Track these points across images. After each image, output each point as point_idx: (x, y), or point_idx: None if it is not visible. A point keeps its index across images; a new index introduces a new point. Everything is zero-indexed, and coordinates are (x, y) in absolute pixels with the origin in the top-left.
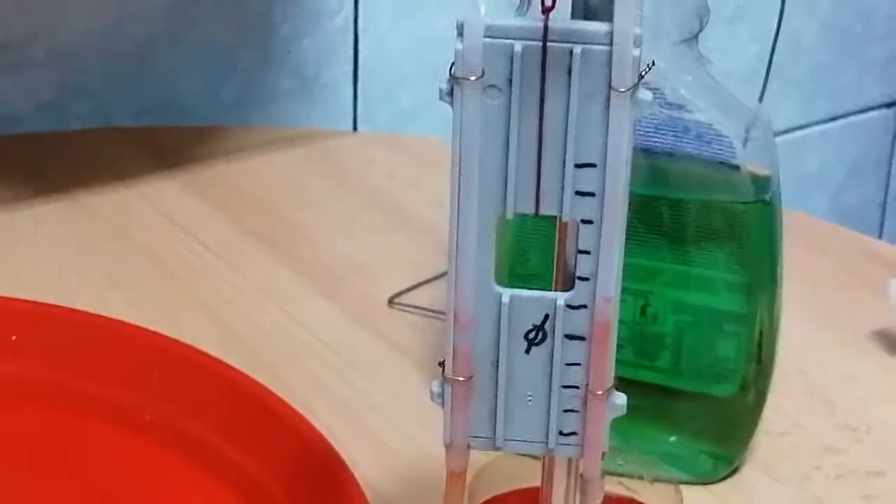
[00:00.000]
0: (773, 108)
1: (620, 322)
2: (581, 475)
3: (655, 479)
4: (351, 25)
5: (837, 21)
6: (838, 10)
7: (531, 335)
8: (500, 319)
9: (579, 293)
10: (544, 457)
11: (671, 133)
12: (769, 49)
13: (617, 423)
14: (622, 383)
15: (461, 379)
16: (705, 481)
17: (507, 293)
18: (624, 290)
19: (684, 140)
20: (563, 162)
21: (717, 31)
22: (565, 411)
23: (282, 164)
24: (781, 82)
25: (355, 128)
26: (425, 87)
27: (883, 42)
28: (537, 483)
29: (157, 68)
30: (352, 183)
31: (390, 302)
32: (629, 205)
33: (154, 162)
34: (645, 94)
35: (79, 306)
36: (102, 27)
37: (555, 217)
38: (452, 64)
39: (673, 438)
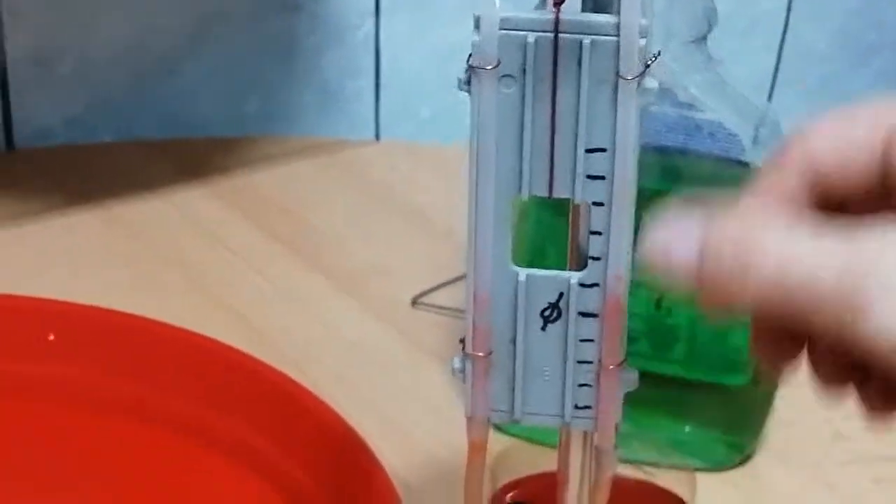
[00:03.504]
0: (784, 116)
1: (636, 315)
2: (596, 447)
3: (672, 466)
4: (372, 39)
5: (850, 30)
6: (851, 19)
7: (547, 312)
8: (517, 298)
9: (592, 272)
10: (561, 429)
11: (683, 131)
12: (776, 56)
13: (634, 413)
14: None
15: (481, 355)
16: (719, 468)
17: (523, 272)
18: (638, 284)
19: (695, 138)
20: (575, 147)
21: (731, 42)
22: (580, 385)
23: (305, 172)
24: (793, 90)
25: (377, 137)
26: (445, 98)
27: (894, 52)
28: (554, 468)
29: (183, 82)
30: (374, 190)
31: (414, 302)
32: (643, 200)
33: (181, 172)
34: (651, 82)
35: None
36: (129, 43)
37: (567, 201)
38: (470, 55)
39: (688, 427)
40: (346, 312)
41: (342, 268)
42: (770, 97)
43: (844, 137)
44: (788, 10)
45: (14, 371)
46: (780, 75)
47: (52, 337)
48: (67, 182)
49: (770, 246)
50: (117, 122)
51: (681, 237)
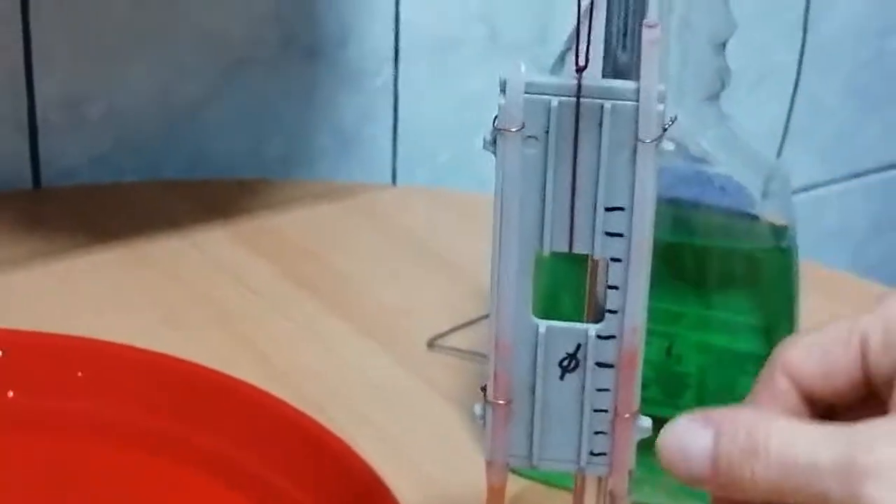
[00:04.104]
0: (795, 165)
1: (647, 362)
2: (610, 492)
3: None
4: (391, 86)
5: (859, 81)
6: (860, 71)
7: (565, 363)
8: (536, 348)
9: (609, 325)
10: (576, 475)
11: (695, 184)
12: (787, 109)
13: (645, 457)
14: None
15: (501, 402)
16: None
17: (543, 324)
18: (650, 332)
19: (707, 191)
20: (595, 205)
21: (741, 94)
22: (595, 433)
23: (325, 215)
24: (804, 141)
25: (394, 182)
26: (461, 145)
27: None
28: None
29: (207, 125)
30: (392, 233)
31: (430, 344)
32: (655, 251)
33: (204, 213)
34: (668, 145)
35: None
36: (156, 88)
37: (586, 256)
38: (496, 117)
39: None
40: (365, 353)
41: (361, 309)
42: (781, 147)
43: (821, 351)
44: (800, 63)
45: (43, 406)
46: (791, 126)
47: (80, 374)
48: (93, 221)
49: (777, 429)
50: (142, 162)
51: (696, 429)
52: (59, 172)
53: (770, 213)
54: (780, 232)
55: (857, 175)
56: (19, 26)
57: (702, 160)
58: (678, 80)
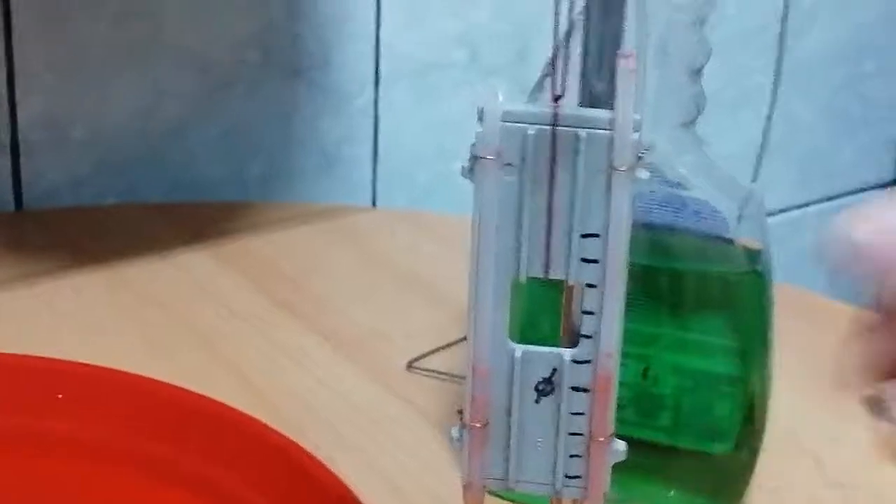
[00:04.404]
0: (772, 187)
1: (623, 384)
2: None
3: None
4: (372, 108)
5: (835, 105)
6: (837, 95)
7: (541, 387)
8: (513, 372)
9: (584, 349)
10: (552, 497)
11: (671, 209)
12: (762, 131)
13: (621, 478)
14: (625, 441)
15: (478, 425)
16: None
17: (519, 349)
18: (626, 355)
19: (682, 215)
20: (570, 232)
21: (718, 116)
22: (571, 456)
23: (305, 237)
24: (780, 163)
25: (374, 204)
26: (441, 167)
27: (878, 126)
28: None
29: (188, 148)
30: (371, 255)
31: (409, 366)
32: (632, 274)
33: (186, 235)
34: (643, 173)
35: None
36: (137, 110)
37: (562, 281)
38: (473, 144)
39: (672, 492)
40: (345, 374)
41: (340, 331)
42: (757, 169)
43: None
44: (775, 85)
45: (24, 426)
46: (767, 147)
47: (60, 396)
48: (74, 243)
49: None
50: (124, 184)
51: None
52: (41, 194)
53: (744, 238)
54: (754, 256)
55: (832, 197)
56: (2, 48)
57: (678, 185)
58: (655, 107)
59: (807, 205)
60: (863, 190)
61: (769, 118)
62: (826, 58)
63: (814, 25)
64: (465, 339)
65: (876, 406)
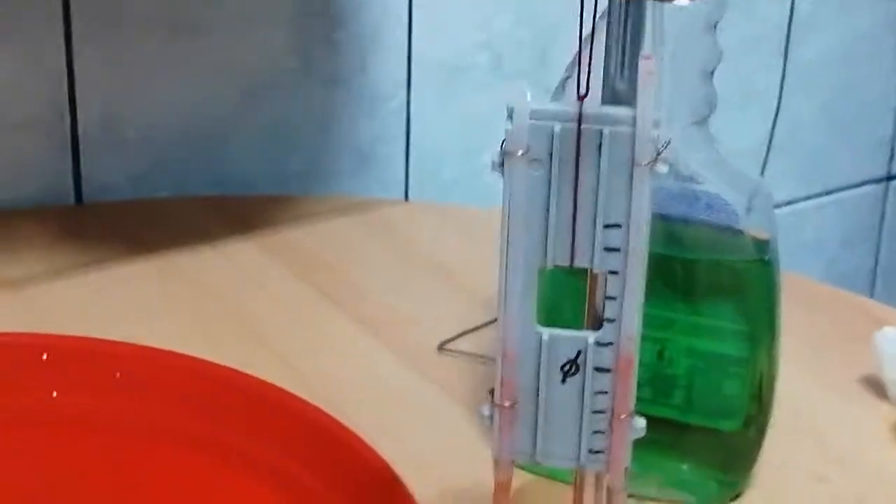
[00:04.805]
0: (775, 182)
1: (640, 365)
2: (607, 487)
3: (670, 501)
4: (404, 109)
5: (835, 106)
6: (836, 97)
7: (566, 368)
8: (540, 354)
9: (607, 332)
10: (576, 471)
11: (684, 202)
12: (770, 130)
13: (637, 453)
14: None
15: (507, 404)
16: None
17: (546, 332)
18: (643, 338)
19: (695, 208)
20: (594, 223)
21: (727, 114)
22: (594, 432)
23: (342, 228)
24: (783, 160)
25: (406, 197)
26: (467, 163)
27: (874, 125)
28: (564, 502)
29: (234, 147)
30: (404, 246)
31: (440, 348)
32: (649, 263)
33: (231, 227)
34: (662, 167)
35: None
36: (187, 111)
37: (586, 269)
38: (503, 141)
39: (685, 467)
40: (379, 356)
41: (375, 316)
42: (764, 165)
43: None
44: (781, 87)
45: (84, 404)
46: (773, 144)
47: (118, 375)
48: (129, 234)
49: None
50: (174, 179)
51: None
52: (99, 189)
53: (753, 228)
54: (762, 245)
55: (831, 192)
56: (63, 54)
57: (690, 179)
58: (669, 106)
59: (807, 199)
60: (858, 185)
61: (775, 119)
62: (825, 62)
63: (814, 32)
64: (492, 321)
65: None
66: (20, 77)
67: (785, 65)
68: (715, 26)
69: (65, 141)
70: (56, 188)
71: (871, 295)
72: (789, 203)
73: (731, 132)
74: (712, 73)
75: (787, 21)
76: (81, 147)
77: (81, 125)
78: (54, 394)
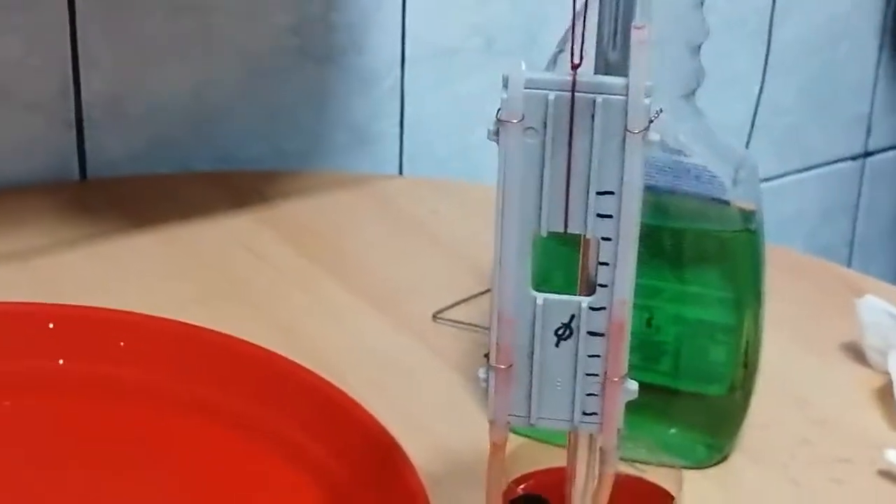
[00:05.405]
0: (757, 158)
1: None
2: (600, 448)
3: (660, 464)
4: (398, 88)
5: (813, 86)
6: (814, 75)
7: (560, 331)
8: (534, 318)
9: (600, 297)
10: (570, 433)
11: (672, 174)
12: (753, 108)
13: (627, 417)
14: None
15: (503, 367)
16: (700, 466)
17: (540, 297)
18: (632, 306)
19: (683, 179)
20: (587, 190)
21: (711, 93)
22: (587, 395)
23: (339, 202)
24: (764, 136)
25: (401, 173)
26: (460, 140)
27: (852, 104)
28: (558, 464)
29: (233, 125)
30: (399, 218)
31: (434, 317)
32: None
33: (231, 201)
34: (654, 136)
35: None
36: (188, 90)
37: (579, 236)
38: (499, 109)
39: (673, 430)
40: (376, 326)
41: (372, 286)
42: (748, 142)
43: None
44: (765, 67)
45: (90, 372)
46: (756, 121)
47: (122, 343)
48: (133, 208)
49: None
50: (176, 156)
51: None
52: (103, 165)
53: (739, 199)
54: (748, 216)
55: (810, 168)
56: (67, 34)
57: (678, 152)
58: (657, 80)
59: (787, 174)
60: (836, 161)
61: (759, 98)
62: (804, 42)
63: (793, 14)
64: (485, 292)
65: None
66: (25, 57)
67: (769, 45)
68: (702, 3)
69: (69, 119)
70: (61, 165)
71: (849, 267)
72: (769, 179)
73: (712, 111)
74: (699, 47)
75: (770, 2)
76: (85, 125)
77: (85, 104)
78: (60, 361)
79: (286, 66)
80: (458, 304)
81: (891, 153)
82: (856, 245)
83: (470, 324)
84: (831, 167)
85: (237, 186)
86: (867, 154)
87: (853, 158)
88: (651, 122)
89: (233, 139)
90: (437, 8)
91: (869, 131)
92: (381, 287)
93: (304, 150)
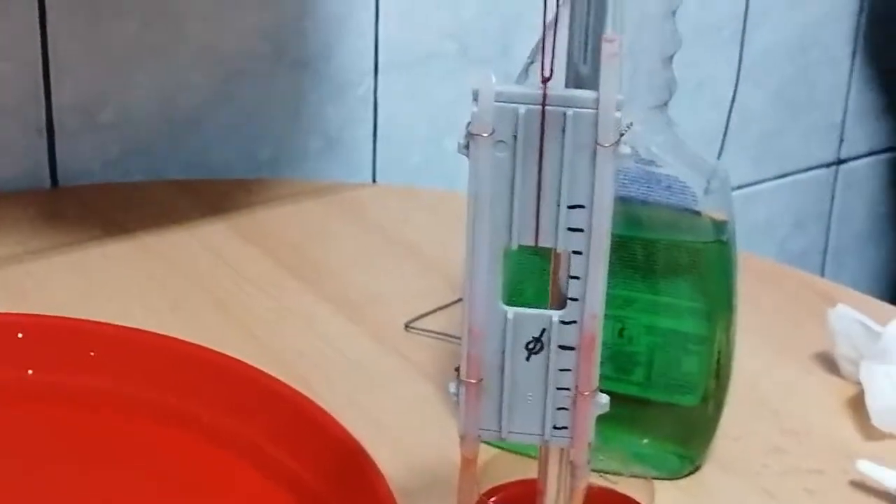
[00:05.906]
0: (729, 165)
1: (601, 343)
2: (571, 462)
3: (631, 475)
4: (371, 95)
5: (786, 92)
6: (787, 83)
7: (531, 345)
8: (505, 332)
9: (570, 311)
10: (541, 446)
11: (644, 184)
12: (726, 116)
13: (598, 428)
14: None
15: (473, 381)
16: (673, 477)
17: (511, 311)
18: (604, 316)
19: (654, 190)
20: (558, 203)
21: (682, 100)
22: (558, 409)
23: (311, 211)
24: (736, 144)
25: (374, 181)
26: (432, 148)
27: (825, 111)
28: (530, 476)
29: (205, 132)
30: (371, 227)
31: (406, 326)
32: (610, 244)
33: (203, 209)
34: (625, 149)
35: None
36: (161, 97)
37: (549, 249)
38: (469, 123)
39: (645, 441)
40: (348, 335)
41: (343, 295)
42: (721, 150)
43: None
44: (738, 74)
45: (59, 382)
46: (729, 129)
47: (92, 353)
48: (104, 216)
49: None
50: (148, 164)
51: None
52: (74, 172)
53: (711, 210)
54: (720, 226)
55: (783, 175)
56: (38, 41)
57: (650, 162)
58: (630, 91)
59: (760, 182)
60: (809, 169)
61: (731, 105)
62: (777, 51)
63: (766, 22)
64: (458, 301)
65: None
66: None
67: (741, 53)
68: (674, 13)
69: (40, 126)
70: (32, 172)
71: (822, 274)
72: (742, 186)
73: (686, 118)
74: (671, 58)
75: (743, 10)
76: (56, 132)
77: (56, 110)
78: (30, 372)
79: (259, 73)
80: (430, 313)
81: (864, 160)
82: (829, 252)
83: (442, 333)
84: (804, 174)
85: (210, 194)
86: (840, 161)
87: (826, 166)
88: (622, 135)
89: (205, 146)
90: (410, 14)
91: (842, 138)
92: (353, 296)
93: (276, 158)
